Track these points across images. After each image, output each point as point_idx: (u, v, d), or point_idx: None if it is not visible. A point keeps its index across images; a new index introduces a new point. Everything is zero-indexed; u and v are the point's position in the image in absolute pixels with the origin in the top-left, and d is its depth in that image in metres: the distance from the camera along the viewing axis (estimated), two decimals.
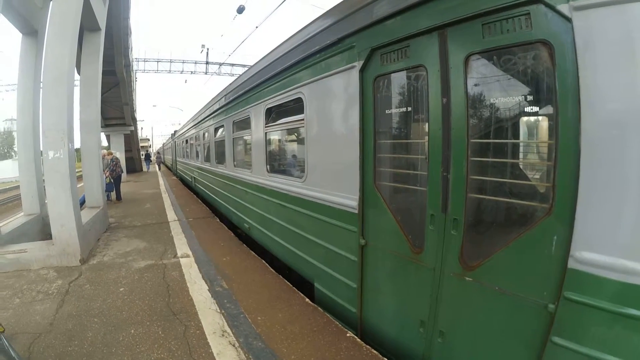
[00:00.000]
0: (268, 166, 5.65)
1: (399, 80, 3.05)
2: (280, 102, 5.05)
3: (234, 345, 3.28)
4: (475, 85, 2.49)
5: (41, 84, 6.74)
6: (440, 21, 2.54)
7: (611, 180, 1.84)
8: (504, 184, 2.45)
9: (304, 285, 4.58)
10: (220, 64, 32.44)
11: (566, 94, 1.97)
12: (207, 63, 33.00)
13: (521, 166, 2.50)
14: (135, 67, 29.08)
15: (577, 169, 1.94)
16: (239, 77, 7.52)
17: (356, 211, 3.42)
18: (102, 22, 8.25)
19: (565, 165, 2.00)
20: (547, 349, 2.12)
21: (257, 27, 13.22)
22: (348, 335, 3.43)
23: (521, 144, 2.52)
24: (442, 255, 2.69)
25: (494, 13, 2.24)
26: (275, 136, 5.93)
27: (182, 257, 5.92)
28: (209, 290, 4.55)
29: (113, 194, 12.97)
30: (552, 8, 1.98)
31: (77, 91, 6.96)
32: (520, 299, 2.25)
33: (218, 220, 9.15)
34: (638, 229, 1.78)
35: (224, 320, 3.75)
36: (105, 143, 26.81)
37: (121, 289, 4.64)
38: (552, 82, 2.05)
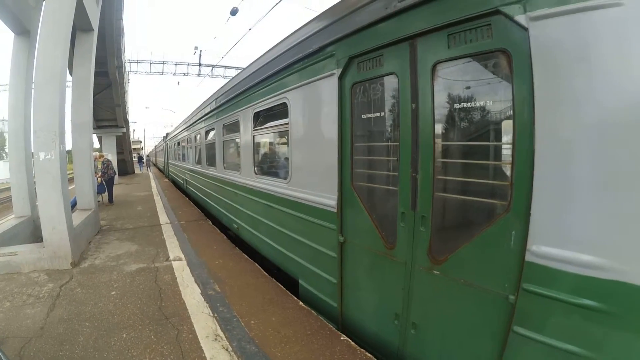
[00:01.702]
0: (256, 168, 5.87)
1: (374, 87, 3.21)
2: (267, 107, 5.23)
3: (227, 350, 3.27)
4: (441, 91, 2.64)
5: (33, 84, 6.68)
6: (410, 32, 2.73)
7: (563, 179, 1.97)
8: (467, 183, 2.63)
9: (293, 286, 4.68)
10: (213, 66, 32.43)
11: (522, 99, 2.12)
12: (200, 65, 32.97)
13: (483, 167, 2.62)
14: (127, 69, 28.97)
15: (531, 169, 2.08)
16: (229, 81, 7.77)
17: (335, 210, 3.62)
18: (95, 23, 8.22)
19: (521, 166, 2.14)
20: (509, 338, 2.25)
21: (250, 29, 13.20)
22: (342, 338, 3.44)
23: (482, 146, 2.65)
24: (412, 251, 2.88)
25: (458, 24, 2.41)
26: (262, 139, 6.15)
27: (174, 260, 5.89)
28: (201, 293, 4.53)
29: (105, 196, 12.87)
30: (510, 19, 2.12)
31: (69, 92, 6.91)
32: (484, 290, 2.40)
33: (210, 223, 9.12)
34: (589, 224, 1.90)
35: (217, 324, 3.74)
36: (97, 145, 26.63)
37: (113, 293, 4.60)
38: (510, 87, 2.20)
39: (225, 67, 32.98)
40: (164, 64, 32.77)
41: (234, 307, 4.13)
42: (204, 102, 10.09)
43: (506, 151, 2.33)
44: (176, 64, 33.15)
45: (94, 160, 11.39)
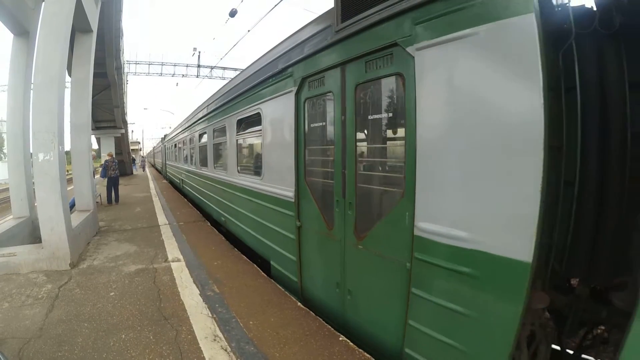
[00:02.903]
0: (238, 167, 6.75)
1: (319, 102, 4.02)
2: (247, 115, 6.10)
3: (225, 350, 3.28)
4: (360, 106, 3.37)
5: (32, 85, 6.68)
6: (341, 60, 3.50)
7: (436, 171, 2.59)
8: (377, 176, 3.43)
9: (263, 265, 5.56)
10: (212, 68, 32.44)
11: (410, 111, 2.75)
12: (198, 66, 32.96)
13: (387, 163, 3.42)
14: (126, 70, 28.93)
15: (415, 163, 2.72)
16: (218, 90, 8.70)
17: (293, 200, 4.40)
18: (94, 24, 8.23)
19: (409, 161, 2.78)
20: (410, 298, 2.85)
21: (249, 30, 13.22)
22: (341, 339, 3.46)
23: (387, 148, 3.39)
24: (344, 230, 3.61)
25: (372, 54, 3.13)
26: (243, 143, 6.95)
27: (173, 261, 5.90)
28: (200, 294, 4.54)
29: (104, 197, 12.90)
30: (404, 49, 2.78)
31: (67, 93, 6.91)
32: (392, 260, 3.06)
33: (209, 224, 9.12)
34: (456, 205, 2.47)
35: (216, 325, 3.75)
36: (95, 146, 26.61)
37: (111, 294, 4.61)
38: (403, 102, 2.86)
39: (224, 68, 33.00)
40: (162, 65, 32.77)
41: (232, 308, 4.14)
42: (198, 107, 11.21)
43: (400, 151, 2.98)
44: (175, 65, 33.15)
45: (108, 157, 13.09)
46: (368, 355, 3.20)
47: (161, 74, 33.09)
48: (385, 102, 3.24)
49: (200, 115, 10.43)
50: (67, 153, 7.06)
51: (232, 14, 12.87)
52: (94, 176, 9.08)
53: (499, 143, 2.24)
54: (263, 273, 5.31)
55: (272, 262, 5.27)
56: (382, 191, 3.34)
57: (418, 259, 2.75)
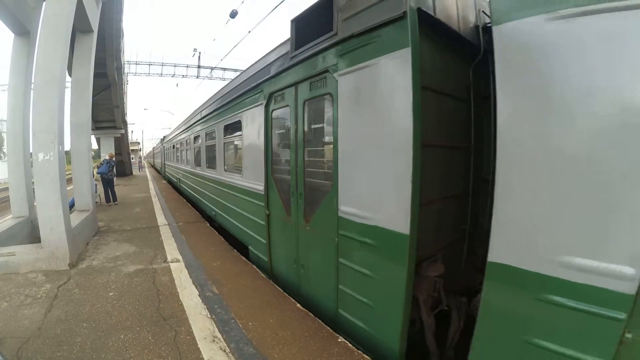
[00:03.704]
0: (225, 166, 7.71)
1: (281, 113, 4.86)
2: (231, 122, 7.02)
3: (224, 351, 3.29)
4: (307, 118, 4.23)
5: (32, 85, 6.69)
6: (295, 80, 4.32)
7: (349, 168, 3.41)
8: (317, 173, 4.20)
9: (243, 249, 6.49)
10: (212, 68, 32.37)
11: (337, 124, 3.52)
12: (198, 67, 32.86)
13: (323, 162, 4.15)
14: (126, 70, 28.91)
15: (337, 162, 3.51)
16: (209, 98, 9.70)
17: (263, 192, 5.27)
18: (95, 24, 8.24)
19: (335, 161, 3.55)
20: (339, 266, 3.61)
21: (249, 31, 13.19)
22: (339, 340, 3.46)
23: (325, 151, 4.11)
24: (297, 216, 4.42)
25: (314, 77, 3.93)
26: (229, 146, 7.79)
27: (172, 262, 5.90)
28: (199, 295, 4.54)
29: (102, 197, 12.92)
30: (332, 75, 3.57)
31: (68, 93, 6.92)
32: (328, 237, 3.79)
33: (208, 224, 9.12)
34: (362, 193, 3.27)
35: (215, 326, 3.76)
36: (95, 146, 26.59)
37: (110, 294, 4.61)
38: (332, 117, 3.60)
39: (224, 69, 32.92)
40: (162, 65, 32.70)
41: (231, 309, 4.15)
42: (192, 113, 12.51)
43: (331, 153, 3.70)
44: (175, 66, 33.09)
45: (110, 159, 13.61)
46: (367, 357, 3.19)
47: (161, 74, 33.02)
48: (322, 115, 4.12)
49: (194, 120, 11.61)
50: (67, 153, 7.06)
51: (233, 15, 12.85)
52: (93, 175, 9.13)
53: (387, 146, 2.98)
54: (262, 274, 5.32)
55: (250, 247, 6.16)
56: (321, 184, 4.09)
57: (341, 235, 3.56)
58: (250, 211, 5.92)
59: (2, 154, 54.54)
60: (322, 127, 4.13)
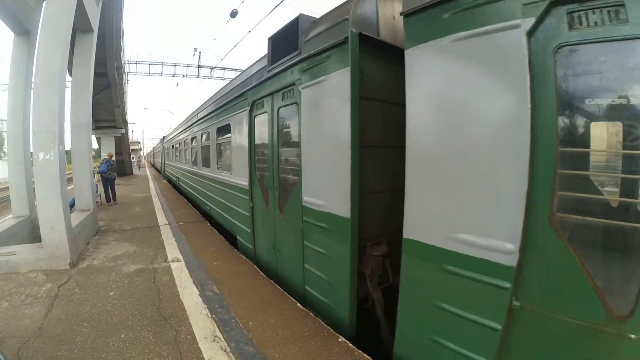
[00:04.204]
0: (218, 165, 8.47)
1: (262, 119, 5.42)
2: (223, 125, 7.73)
3: (225, 350, 3.28)
4: (281, 123, 4.91)
5: (32, 84, 6.68)
6: (270, 91, 5.03)
7: (308, 164, 4.12)
8: (288, 170, 4.79)
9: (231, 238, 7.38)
10: (212, 68, 32.37)
11: (301, 129, 4.22)
12: (199, 66, 32.86)
13: (293, 161, 4.64)
14: (127, 70, 28.91)
15: (301, 160, 4.23)
16: (204, 103, 10.52)
17: (247, 187, 5.99)
18: (95, 24, 8.24)
19: (301, 160, 4.24)
20: (304, 249, 4.30)
21: (249, 31, 13.19)
22: (340, 340, 3.46)
23: (293, 151, 4.60)
24: (274, 206, 5.07)
25: (285, 89, 4.64)
26: (221, 146, 8.43)
27: (172, 262, 5.90)
28: (199, 294, 4.54)
29: (103, 197, 12.93)
30: (297, 87, 4.25)
31: (68, 93, 6.91)
32: (295, 224, 4.45)
33: (209, 224, 9.13)
34: (318, 185, 3.97)
35: (215, 325, 3.76)
36: (95, 145, 26.60)
37: (111, 293, 4.61)
38: (298, 122, 4.28)
39: (225, 68, 32.95)
40: (163, 65, 32.71)
41: (232, 309, 4.15)
42: (189, 115, 13.63)
43: (297, 155, 4.37)
44: (175, 66, 33.10)
45: (110, 158, 13.87)
46: (368, 356, 3.19)
47: (162, 74, 33.03)
48: (292, 121, 4.69)
49: (190, 122, 12.60)
50: (68, 152, 7.06)
51: (233, 14, 12.84)
52: (94, 174, 9.18)
53: (333, 146, 3.60)
54: (262, 274, 5.32)
55: (238, 237, 6.88)
56: (291, 179, 4.73)
57: (305, 221, 4.22)
58: (238, 204, 6.66)
59: (2, 154, 54.52)
60: (291, 131, 4.74)
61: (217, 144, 8.44)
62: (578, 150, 2.09)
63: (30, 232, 7.16)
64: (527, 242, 2.17)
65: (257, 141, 5.76)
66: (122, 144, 29.19)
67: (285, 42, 4.58)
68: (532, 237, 2.15)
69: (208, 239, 7.53)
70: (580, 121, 2.12)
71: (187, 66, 33.21)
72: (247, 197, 6.01)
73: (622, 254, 1.99)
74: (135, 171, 36.25)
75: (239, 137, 6.47)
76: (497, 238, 2.29)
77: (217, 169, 8.36)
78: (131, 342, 3.45)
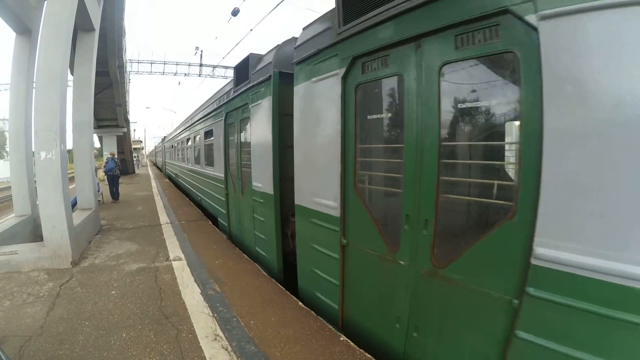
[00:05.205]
0: (205, 162, 10.15)
1: (245, 122, 6.22)
2: (209, 129, 9.30)
3: (226, 349, 3.28)
4: (242, 130, 6.36)
5: (34, 84, 6.69)
6: (236, 106, 6.51)
7: (255, 161, 5.62)
8: (247, 164, 6.00)
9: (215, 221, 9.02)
10: (214, 67, 32.34)
11: (251, 137, 5.78)
12: (200, 65, 32.86)
13: (249, 158, 5.92)
14: (128, 68, 28.91)
15: (252, 158, 5.74)
16: (198, 108, 11.98)
17: (224, 178, 7.66)
18: (97, 23, 8.24)
19: (251, 157, 5.75)
20: (254, 219, 5.82)
21: (251, 29, 13.16)
22: (342, 339, 3.45)
23: (249, 150, 5.90)
24: (239, 191, 6.54)
25: (242, 106, 6.13)
26: (208, 146, 9.84)
27: (174, 260, 5.91)
28: (201, 293, 4.54)
29: (107, 195, 12.96)
30: (249, 106, 5.75)
31: (69, 91, 6.92)
32: (249, 202, 6.01)
33: (210, 223, 9.14)
34: (259, 173, 5.46)
35: (217, 324, 3.75)
36: (97, 144, 26.63)
37: (113, 292, 4.62)
38: (250, 130, 5.90)
39: (226, 67, 32.81)
40: (165, 64, 32.68)
41: (233, 307, 4.14)
42: (185, 119, 15.71)
43: (250, 153, 5.77)
44: (177, 64, 33.08)
45: (113, 157, 14.12)
46: (369, 355, 3.18)
47: (163, 72, 32.99)
48: (248, 129, 6.03)
49: (186, 125, 14.65)
50: (70, 151, 7.07)
51: (235, 13, 12.80)
52: (96, 173, 9.24)
53: (265, 147, 5.13)
54: (264, 272, 5.32)
55: (218, 219, 8.61)
56: (248, 171, 6.02)
57: (253, 199, 5.78)
58: (218, 192, 8.43)
59: (4, 153, 54.66)
60: (247, 136, 6.11)
61: (204, 145, 10.28)
62: (365, 146, 3.34)
63: (32, 231, 7.18)
64: (344, 202, 3.48)
65: (229, 143, 7.42)
66: (124, 143, 29.22)
67: (242, 72, 6.23)
68: (346, 199, 3.46)
69: (210, 237, 7.53)
70: (367, 130, 3.35)
71: (189, 65, 33.20)
72: (222, 186, 7.78)
73: (392, 209, 3.08)
74: (136, 170, 36.29)
75: (218, 140, 8.17)
76: (329, 199, 3.67)
77: (205, 165, 10.14)
78: (133, 340, 3.44)
